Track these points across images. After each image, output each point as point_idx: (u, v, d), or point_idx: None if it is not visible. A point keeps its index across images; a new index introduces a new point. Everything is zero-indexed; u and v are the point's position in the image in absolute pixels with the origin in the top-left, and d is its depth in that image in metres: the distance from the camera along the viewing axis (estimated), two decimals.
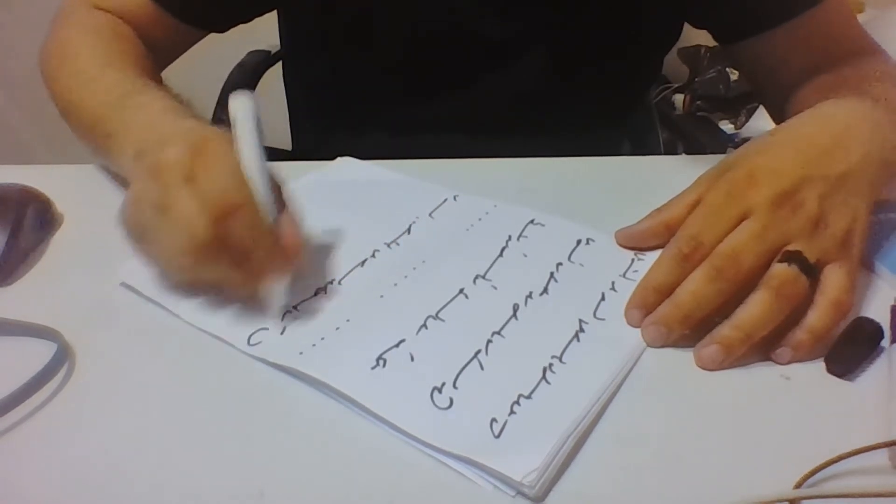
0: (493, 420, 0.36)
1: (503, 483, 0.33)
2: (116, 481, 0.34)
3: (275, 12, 0.75)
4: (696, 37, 1.02)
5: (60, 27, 0.65)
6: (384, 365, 0.40)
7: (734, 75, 1.66)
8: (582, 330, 0.42)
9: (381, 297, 0.45)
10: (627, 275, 0.47)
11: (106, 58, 0.59)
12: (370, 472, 0.34)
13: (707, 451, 0.36)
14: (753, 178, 0.44)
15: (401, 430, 0.36)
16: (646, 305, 0.43)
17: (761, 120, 1.57)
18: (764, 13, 0.64)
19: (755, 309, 0.40)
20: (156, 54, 0.65)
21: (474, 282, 0.46)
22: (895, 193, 0.50)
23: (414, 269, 0.48)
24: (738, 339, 0.40)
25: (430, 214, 0.54)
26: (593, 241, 0.51)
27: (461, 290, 0.46)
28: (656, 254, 0.46)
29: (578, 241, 0.51)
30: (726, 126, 1.68)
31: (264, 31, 0.76)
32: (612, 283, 0.47)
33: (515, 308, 0.44)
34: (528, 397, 0.38)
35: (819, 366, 0.40)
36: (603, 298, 0.45)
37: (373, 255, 0.49)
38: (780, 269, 0.41)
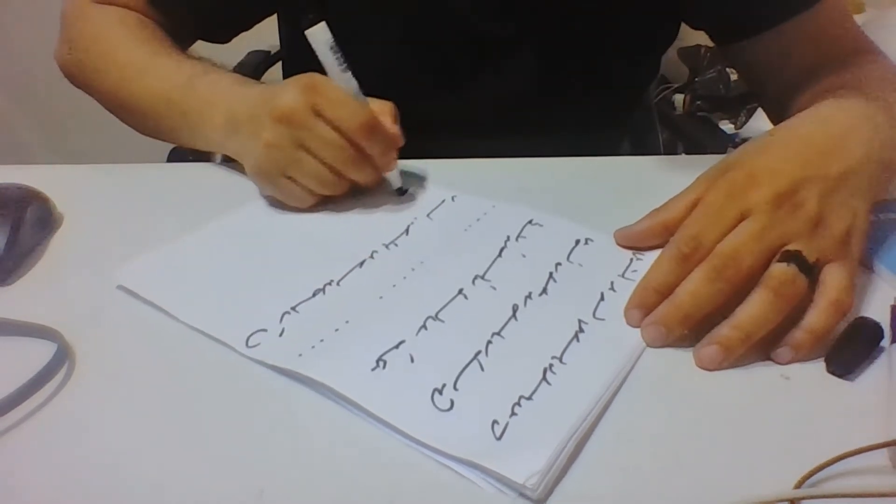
0: (495, 422, 0.36)
1: (504, 485, 0.33)
2: (116, 481, 0.34)
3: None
4: (696, 37, 1.02)
5: (81, 25, 0.66)
6: (384, 366, 0.39)
7: (734, 75, 1.66)
8: (582, 330, 0.42)
9: (381, 298, 0.45)
10: (626, 275, 0.47)
11: (149, 45, 0.63)
12: (370, 473, 0.34)
13: (707, 451, 0.36)
14: (753, 178, 0.44)
15: (401, 433, 0.36)
16: (645, 305, 0.43)
17: (761, 120, 1.57)
18: (761, 14, 0.64)
19: (755, 309, 0.40)
20: None
21: (473, 282, 0.46)
22: (895, 193, 0.50)
23: (413, 269, 0.48)
24: (737, 339, 0.40)
25: (428, 215, 0.54)
26: (592, 240, 0.51)
27: (460, 291, 0.46)
28: (655, 254, 0.46)
29: (577, 241, 0.51)
30: (726, 126, 1.68)
31: (264, 31, 0.76)
32: (612, 283, 0.47)
33: (515, 308, 0.44)
34: (529, 398, 0.37)
35: (819, 366, 0.40)
36: (602, 298, 0.45)
37: (371, 257, 0.49)
38: (779, 269, 0.41)
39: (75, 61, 0.66)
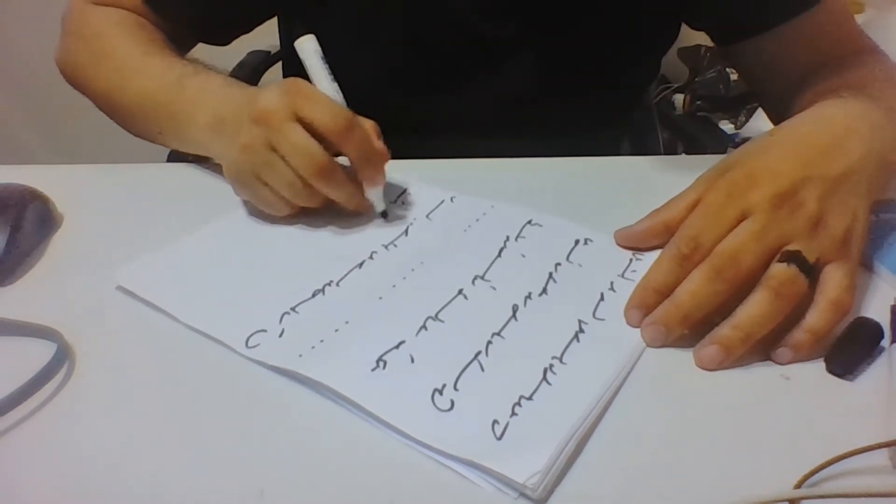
0: (495, 422, 0.36)
1: (505, 485, 0.33)
2: (116, 481, 0.34)
3: None
4: (696, 37, 1.02)
5: (79, 27, 0.67)
6: (384, 367, 0.39)
7: (734, 75, 1.66)
8: (581, 330, 0.42)
9: (380, 298, 0.45)
10: (626, 275, 0.47)
11: (144, 47, 0.62)
12: (370, 473, 0.34)
13: (707, 451, 0.36)
14: (753, 179, 0.44)
15: (401, 433, 0.36)
16: (645, 305, 0.43)
17: (761, 120, 1.57)
18: (762, 14, 0.64)
19: (755, 309, 0.40)
20: None
21: (473, 282, 0.46)
22: (895, 193, 0.50)
23: (412, 270, 0.48)
24: (737, 339, 0.40)
25: (427, 216, 0.54)
26: (591, 241, 0.51)
27: (460, 291, 0.46)
28: (654, 254, 0.46)
29: (577, 242, 0.51)
30: (726, 126, 1.68)
31: (264, 31, 0.76)
32: (611, 283, 0.47)
33: (515, 309, 0.44)
34: (530, 398, 0.37)
35: (819, 366, 0.40)
36: (602, 298, 0.45)
37: (370, 257, 0.49)
38: (779, 269, 0.41)
39: (71, 62, 0.66)
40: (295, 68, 0.56)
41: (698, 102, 1.74)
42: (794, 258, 0.41)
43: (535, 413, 0.37)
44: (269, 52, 1.05)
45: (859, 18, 1.37)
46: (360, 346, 0.41)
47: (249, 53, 1.06)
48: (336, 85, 0.52)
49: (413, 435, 0.35)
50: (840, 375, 0.40)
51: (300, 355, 0.40)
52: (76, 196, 0.57)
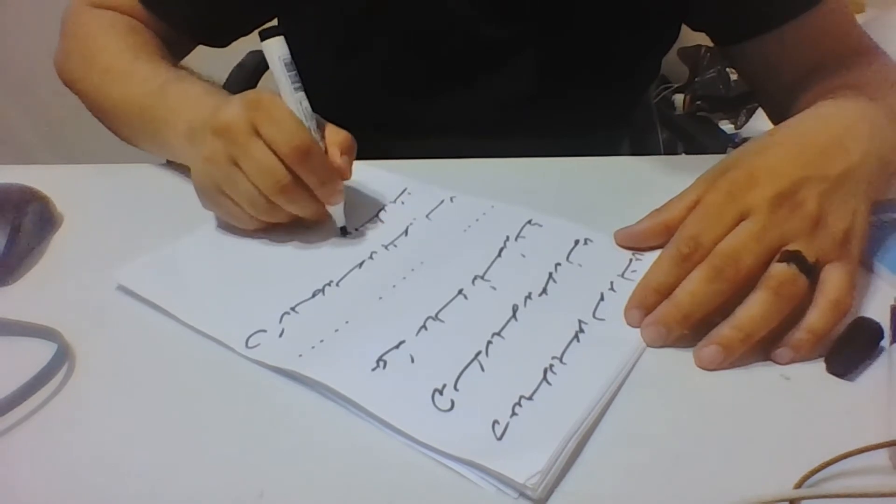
0: (495, 422, 0.36)
1: (505, 485, 0.33)
2: (116, 482, 0.34)
3: None
4: (696, 37, 1.02)
5: (75, 29, 0.67)
6: (384, 366, 0.39)
7: (734, 75, 1.66)
8: (582, 330, 0.43)
9: (380, 298, 0.45)
10: (626, 275, 0.47)
11: (132, 51, 0.62)
12: (370, 473, 0.34)
13: (707, 451, 0.36)
14: (753, 179, 0.44)
15: (402, 433, 0.36)
16: (645, 305, 0.43)
17: (761, 120, 1.57)
18: (763, 15, 0.64)
19: (754, 309, 0.40)
20: None
21: (473, 282, 0.46)
22: (895, 193, 0.50)
23: (412, 270, 0.48)
24: (737, 339, 0.40)
25: (427, 216, 0.54)
26: (591, 241, 0.51)
27: (460, 291, 0.46)
28: (654, 254, 0.46)
29: (576, 242, 0.51)
30: (726, 126, 1.68)
31: None
32: (611, 283, 0.47)
33: (515, 309, 0.44)
34: (530, 398, 0.37)
35: (819, 366, 0.40)
36: (602, 299, 0.45)
37: (370, 257, 0.49)
38: (779, 269, 0.41)
39: (65, 63, 0.66)
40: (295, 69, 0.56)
41: (698, 102, 1.74)
42: (793, 258, 0.41)
43: (536, 413, 0.37)
44: None
45: (859, 18, 1.36)
46: (361, 346, 0.41)
47: (249, 54, 1.06)
48: (301, 94, 0.49)
49: (413, 435, 0.35)
50: (840, 375, 0.40)
51: (300, 355, 0.40)
52: (76, 196, 0.57)
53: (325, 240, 0.51)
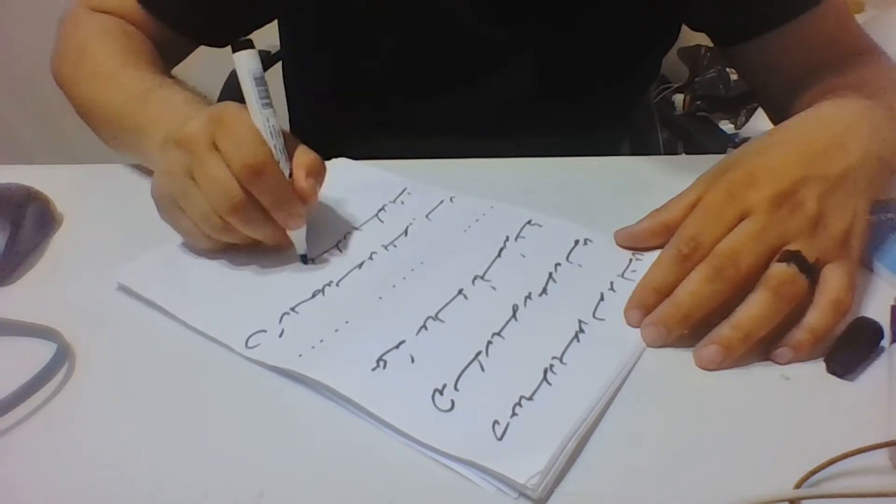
0: (496, 422, 0.36)
1: (505, 485, 0.33)
2: (116, 482, 0.34)
3: None
4: (696, 37, 1.02)
5: (69, 31, 0.66)
6: (384, 366, 0.39)
7: (734, 75, 1.66)
8: (582, 330, 0.43)
9: (380, 298, 0.45)
10: (626, 275, 0.47)
11: (122, 57, 0.61)
12: (370, 473, 0.34)
13: (707, 451, 0.36)
14: (753, 178, 0.44)
15: (402, 433, 0.36)
16: (645, 305, 0.43)
17: (761, 120, 1.57)
18: (762, 16, 0.64)
19: (754, 309, 0.40)
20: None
21: (473, 282, 0.46)
22: (895, 193, 0.50)
23: (412, 270, 0.48)
24: (737, 339, 0.40)
25: (426, 216, 0.54)
26: (591, 241, 0.51)
27: (460, 291, 0.46)
28: (654, 254, 0.46)
29: (576, 242, 0.51)
30: (726, 126, 1.68)
31: (264, 32, 0.76)
32: (611, 283, 0.47)
33: (515, 309, 0.44)
34: (530, 399, 0.37)
35: (819, 366, 0.40)
36: (602, 299, 0.45)
37: (370, 258, 0.49)
38: (779, 269, 0.41)
39: (59, 65, 0.66)
40: (295, 69, 0.56)
41: (698, 102, 1.74)
42: (793, 258, 0.41)
43: (536, 413, 0.37)
44: (269, 52, 1.05)
45: (859, 18, 1.37)
46: (360, 346, 0.41)
47: None
48: (270, 111, 0.46)
49: (413, 435, 0.35)
50: (840, 375, 0.40)
51: (300, 355, 0.40)
52: (76, 196, 0.57)
53: (324, 240, 0.51)
